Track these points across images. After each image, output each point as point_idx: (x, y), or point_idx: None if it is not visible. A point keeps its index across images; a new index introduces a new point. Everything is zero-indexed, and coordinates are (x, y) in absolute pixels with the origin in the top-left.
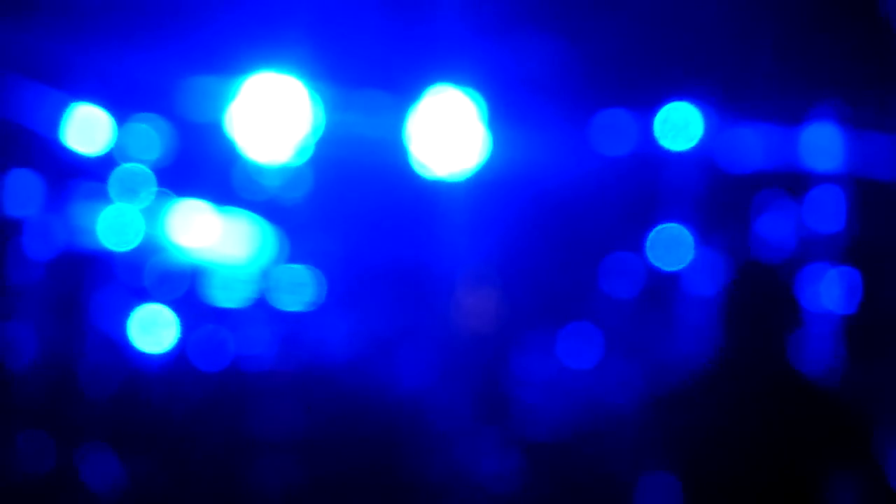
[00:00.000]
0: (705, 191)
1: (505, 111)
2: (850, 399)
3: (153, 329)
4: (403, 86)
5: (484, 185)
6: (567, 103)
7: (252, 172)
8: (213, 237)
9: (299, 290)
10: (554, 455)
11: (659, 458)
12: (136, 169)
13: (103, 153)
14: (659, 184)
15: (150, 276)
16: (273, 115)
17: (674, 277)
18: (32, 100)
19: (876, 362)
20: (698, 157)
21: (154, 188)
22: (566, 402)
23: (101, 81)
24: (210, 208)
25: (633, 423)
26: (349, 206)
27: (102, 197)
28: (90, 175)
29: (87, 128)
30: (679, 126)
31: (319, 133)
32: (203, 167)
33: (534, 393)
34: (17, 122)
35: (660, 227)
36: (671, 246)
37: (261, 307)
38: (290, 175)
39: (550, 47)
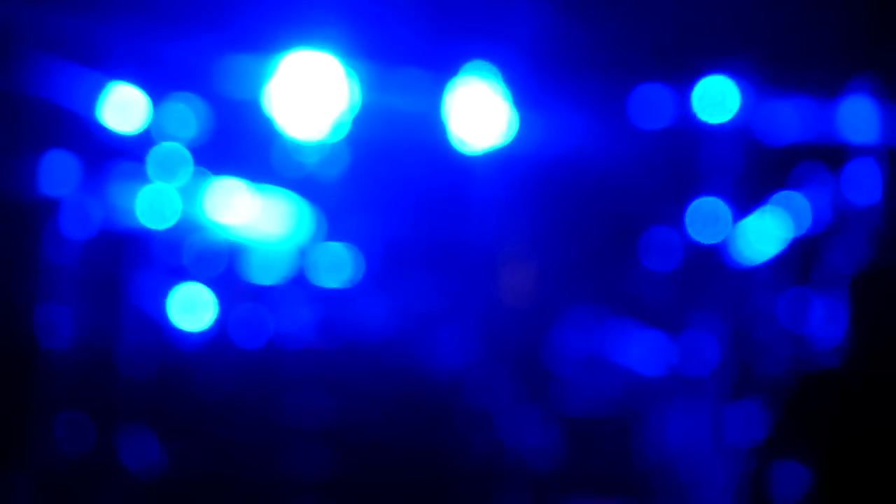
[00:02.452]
0: (743, 164)
1: (542, 85)
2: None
3: (191, 308)
4: (440, 62)
5: (521, 160)
6: (604, 77)
7: (289, 150)
8: (250, 215)
9: (338, 267)
10: (594, 430)
11: (699, 433)
12: (174, 148)
13: (140, 132)
14: (696, 157)
15: (188, 254)
16: (310, 92)
17: (712, 250)
18: (68, 80)
19: None
20: (736, 130)
21: (191, 167)
22: (606, 377)
23: (137, 61)
24: (247, 186)
25: (672, 399)
26: (387, 182)
27: (140, 176)
28: (127, 155)
29: (123, 107)
30: (716, 99)
31: (356, 110)
32: (240, 145)
33: (574, 368)
34: (53, 102)
35: (698, 200)
36: (709, 219)
37: (299, 285)
38: (327, 152)
39: (586, 21)
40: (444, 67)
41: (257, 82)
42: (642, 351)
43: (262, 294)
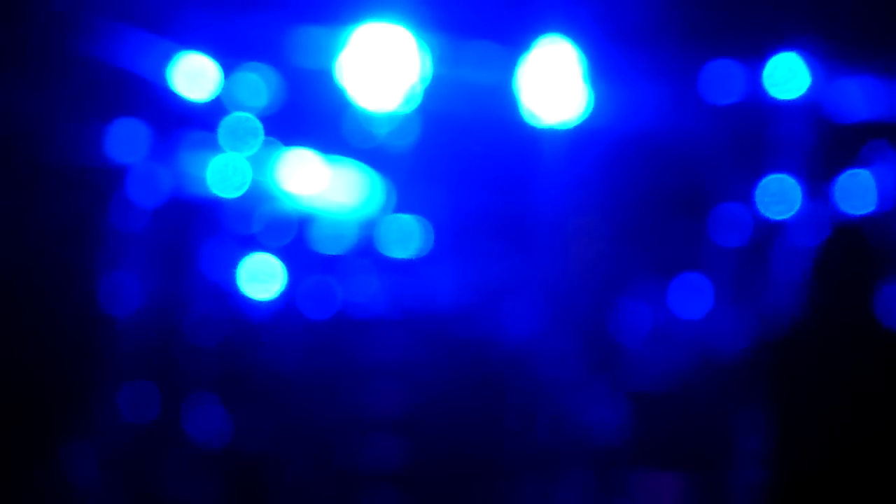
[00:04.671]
0: (813, 140)
1: (613, 60)
2: None
3: (260, 277)
4: (512, 35)
5: (592, 134)
6: (675, 53)
7: (360, 121)
8: (321, 185)
9: (407, 238)
10: (661, 404)
11: (764, 406)
12: (245, 117)
13: (211, 101)
14: (766, 133)
15: (258, 224)
16: (382, 63)
17: (781, 227)
18: (141, 48)
19: None
20: (805, 107)
21: (262, 136)
22: (674, 351)
23: (209, 30)
24: (318, 156)
25: (741, 372)
26: (457, 154)
27: (210, 145)
28: (198, 123)
29: (195, 76)
30: (787, 76)
31: (427, 81)
32: (311, 115)
33: (642, 342)
34: (125, 70)
35: (767, 176)
36: (779, 195)
37: (368, 255)
38: (398, 124)
39: None
40: (517, 41)
41: (330, 53)
42: (711, 325)
43: (331, 264)
